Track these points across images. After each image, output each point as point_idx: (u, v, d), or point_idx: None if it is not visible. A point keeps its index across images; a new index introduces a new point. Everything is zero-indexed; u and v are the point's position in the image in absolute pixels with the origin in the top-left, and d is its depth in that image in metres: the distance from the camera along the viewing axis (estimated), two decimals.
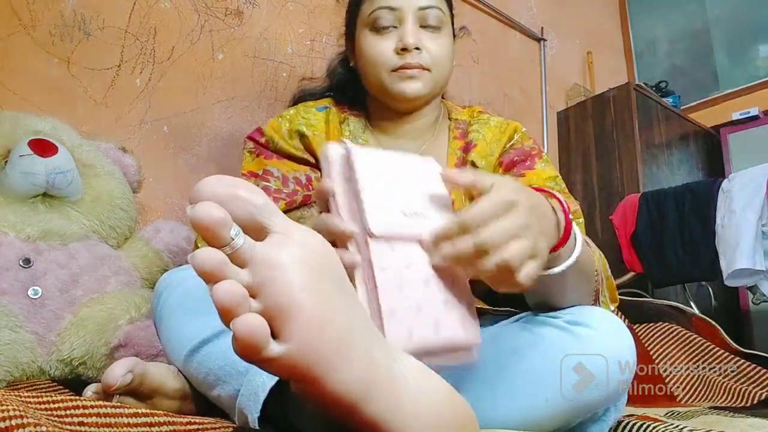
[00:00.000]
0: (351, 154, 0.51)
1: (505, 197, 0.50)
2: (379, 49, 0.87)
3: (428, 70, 0.87)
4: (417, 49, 0.86)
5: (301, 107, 0.95)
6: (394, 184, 0.53)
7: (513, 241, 0.49)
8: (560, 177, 0.89)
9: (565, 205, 0.58)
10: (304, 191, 0.87)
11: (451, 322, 0.50)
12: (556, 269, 0.58)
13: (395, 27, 0.87)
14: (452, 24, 0.94)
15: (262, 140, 0.92)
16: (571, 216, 0.59)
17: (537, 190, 0.59)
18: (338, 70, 1.03)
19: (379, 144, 0.94)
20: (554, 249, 0.56)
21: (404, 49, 0.85)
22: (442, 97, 1.01)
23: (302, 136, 0.91)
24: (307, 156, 0.91)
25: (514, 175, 0.87)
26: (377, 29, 0.87)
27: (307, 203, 0.88)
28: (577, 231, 0.61)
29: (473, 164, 0.90)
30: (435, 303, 0.50)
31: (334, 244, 0.48)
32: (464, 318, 0.51)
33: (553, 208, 0.57)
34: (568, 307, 0.68)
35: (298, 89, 1.08)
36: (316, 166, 0.91)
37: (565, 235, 0.57)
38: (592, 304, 0.70)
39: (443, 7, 0.90)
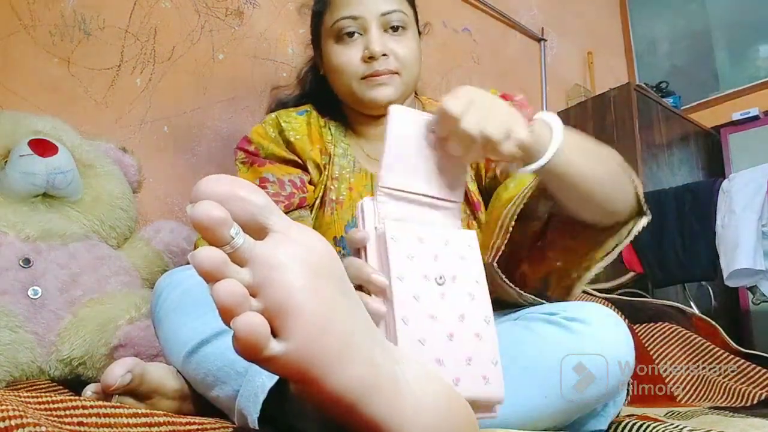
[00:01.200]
0: (386, 232, 0.52)
1: (463, 97, 0.58)
2: (346, 58, 0.87)
3: (397, 73, 0.88)
4: (384, 55, 0.86)
5: (282, 112, 0.96)
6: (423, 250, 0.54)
7: (488, 121, 0.57)
8: None
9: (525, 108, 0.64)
10: (300, 193, 0.88)
11: (471, 378, 0.49)
12: (541, 161, 0.63)
13: (360, 34, 0.87)
14: (416, 22, 0.94)
15: (252, 148, 0.92)
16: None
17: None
18: (309, 78, 1.04)
19: (359, 148, 0.95)
20: None
21: (371, 57, 0.86)
22: (416, 94, 1.02)
23: (288, 142, 0.91)
24: (296, 158, 0.91)
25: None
26: (342, 39, 0.88)
27: (303, 205, 0.89)
28: (555, 124, 0.64)
29: None
30: (457, 359, 0.49)
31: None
32: (488, 375, 0.50)
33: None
34: (565, 303, 0.68)
35: (272, 99, 1.08)
36: (305, 168, 0.91)
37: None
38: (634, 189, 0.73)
39: (405, 9, 0.90)
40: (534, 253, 0.81)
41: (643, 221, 0.74)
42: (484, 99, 0.59)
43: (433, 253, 0.53)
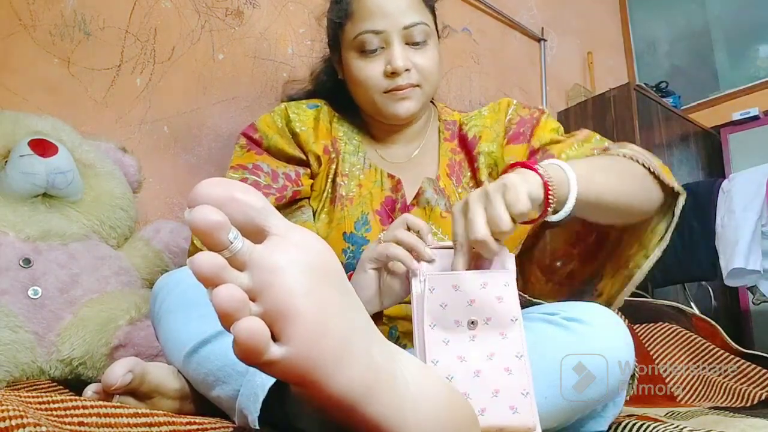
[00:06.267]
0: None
1: (457, 207, 0.62)
2: (369, 72, 0.87)
3: (419, 86, 0.88)
4: (407, 70, 0.86)
5: (293, 104, 0.96)
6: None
7: (486, 209, 0.59)
8: (561, 127, 0.93)
9: (539, 170, 0.64)
10: (294, 186, 0.88)
11: (497, 408, 0.54)
12: (560, 214, 0.65)
13: (382, 48, 0.86)
14: (437, 28, 0.94)
15: (256, 136, 0.92)
16: (553, 163, 0.67)
17: (516, 165, 0.66)
18: (322, 78, 1.04)
19: (372, 147, 0.96)
20: (545, 203, 0.63)
21: (394, 73, 0.85)
22: (432, 100, 1.02)
23: (294, 133, 0.92)
24: (298, 152, 0.92)
25: (522, 144, 0.90)
26: (364, 53, 0.87)
27: (297, 199, 0.89)
28: (563, 171, 0.65)
29: (485, 155, 0.92)
30: (483, 393, 0.54)
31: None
32: (516, 406, 0.54)
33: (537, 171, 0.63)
34: (566, 304, 0.69)
35: (284, 94, 1.08)
36: (306, 162, 0.92)
37: (546, 189, 0.63)
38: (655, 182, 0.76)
39: (427, 20, 0.89)
40: (584, 251, 0.85)
41: (681, 199, 0.79)
42: (473, 203, 0.60)
43: (469, 298, 0.58)
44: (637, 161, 0.76)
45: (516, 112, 0.94)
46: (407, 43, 0.87)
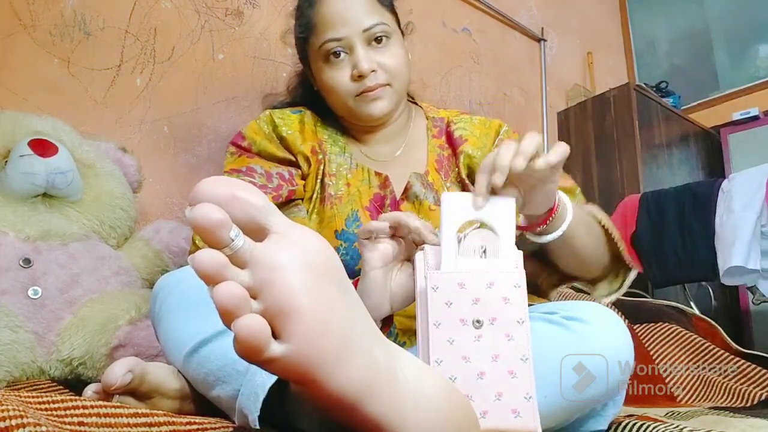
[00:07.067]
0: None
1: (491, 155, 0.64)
2: (337, 80, 0.89)
3: (389, 85, 0.89)
4: (373, 71, 0.88)
5: (277, 110, 0.98)
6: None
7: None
8: None
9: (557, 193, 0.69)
10: (289, 186, 0.89)
11: (499, 412, 0.53)
12: (554, 234, 0.71)
13: (347, 53, 0.88)
14: (399, 25, 0.95)
15: (244, 144, 0.93)
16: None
17: None
18: (299, 90, 1.06)
19: (357, 148, 0.97)
20: (549, 214, 0.69)
21: (360, 76, 0.87)
22: (413, 99, 1.04)
23: (281, 137, 0.93)
24: (287, 155, 0.93)
25: None
26: (330, 60, 0.89)
27: (292, 198, 0.89)
28: (567, 202, 0.72)
29: (467, 156, 0.93)
30: (486, 396, 0.54)
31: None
32: (518, 409, 0.54)
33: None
34: (565, 303, 0.69)
35: (264, 106, 1.09)
36: (296, 164, 0.93)
37: (553, 207, 0.69)
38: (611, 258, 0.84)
39: (386, 18, 0.90)
40: None
41: (633, 273, 0.85)
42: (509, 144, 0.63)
43: (474, 296, 0.57)
44: (603, 225, 0.82)
45: (507, 134, 0.97)
46: (370, 44, 0.89)
